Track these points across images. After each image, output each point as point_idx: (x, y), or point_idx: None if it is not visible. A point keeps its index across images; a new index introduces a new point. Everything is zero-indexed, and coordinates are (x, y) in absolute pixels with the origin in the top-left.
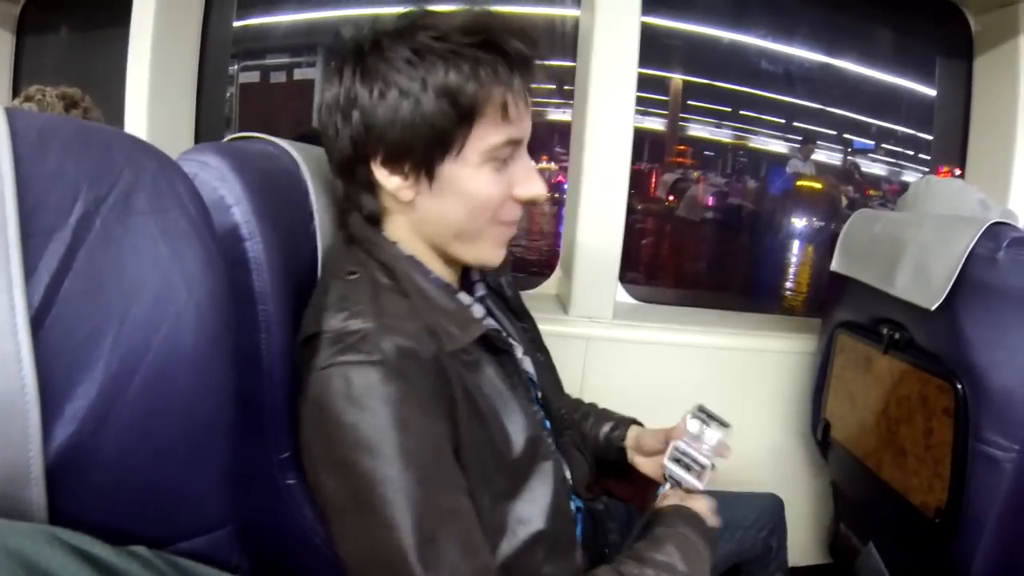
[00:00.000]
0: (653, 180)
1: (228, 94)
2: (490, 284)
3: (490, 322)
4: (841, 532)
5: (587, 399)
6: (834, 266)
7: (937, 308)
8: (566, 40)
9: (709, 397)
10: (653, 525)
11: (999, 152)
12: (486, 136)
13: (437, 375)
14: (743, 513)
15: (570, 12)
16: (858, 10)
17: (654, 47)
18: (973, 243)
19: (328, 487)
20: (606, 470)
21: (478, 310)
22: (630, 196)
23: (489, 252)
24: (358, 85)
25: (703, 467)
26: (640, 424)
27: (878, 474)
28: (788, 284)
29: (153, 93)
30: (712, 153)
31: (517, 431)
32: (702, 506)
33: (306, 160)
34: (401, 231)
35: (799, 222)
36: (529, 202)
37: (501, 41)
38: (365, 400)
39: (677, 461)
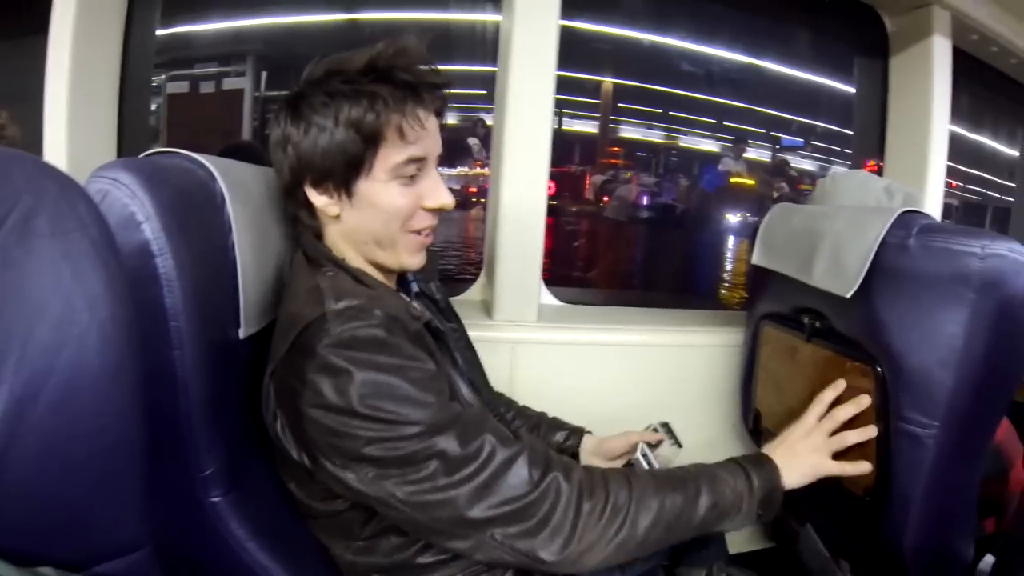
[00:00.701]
0: (586, 182)
1: (155, 105)
2: (422, 290)
3: (428, 315)
4: (779, 516)
5: (518, 400)
6: (755, 259)
7: (853, 296)
8: (487, 45)
9: (639, 394)
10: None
11: (915, 145)
12: (389, 156)
13: (416, 335)
14: None
15: (492, 17)
16: (778, 13)
17: (584, 51)
18: (884, 232)
19: (360, 439)
20: None
21: (416, 306)
22: (562, 199)
23: (406, 257)
24: (290, 126)
25: None
26: (590, 432)
27: None
28: (724, 279)
29: (73, 106)
30: (645, 154)
31: (469, 395)
32: (792, 440)
33: (224, 175)
34: (337, 243)
35: (733, 218)
36: (437, 210)
37: (393, 75)
38: (376, 356)
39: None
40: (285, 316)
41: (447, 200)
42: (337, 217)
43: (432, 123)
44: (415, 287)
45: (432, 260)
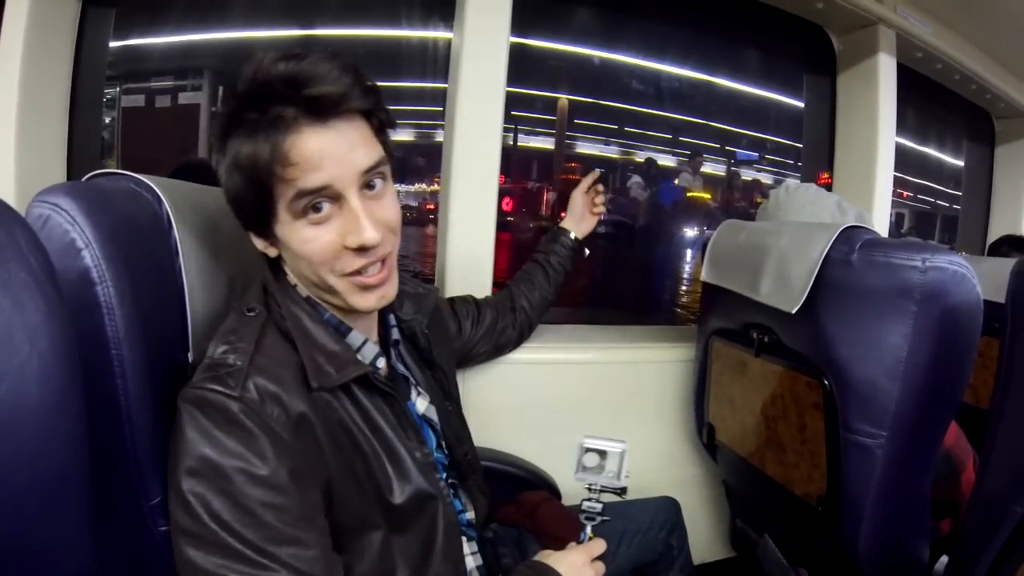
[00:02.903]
0: (544, 198)
1: (110, 119)
2: (405, 331)
3: (380, 363)
4: (738, 527)
5: (469, 424)
6: (704, 276)
7: (799, 311)
8: (438, 62)
9: (594, 412)
10: None
11: (862, 158)
12: (282, 195)
13: (299, 418)
14: (640, 517)
15: (443, 34)
16: (728, 31)
17: (539, 68)
18: (828, 247)
19: (170, 508)
20: (493, 498)
21: (369, 351)
22: (519, 215)
23: (352, 299)
24: (217, 171)
25: (619, 490)
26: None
27: (762, 471)
28: (683, 293)
29: (22, 122)
30: (602, 169)
31: (402, 476)
32: (575, 561)
33: (171, 197)
34: (295, 276)
35: (691, 232)
36: (361, 249)
37: (269, 94)
38: (214, 430)
39: (589, 519)
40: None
41: (369, 237)
42: (279, 258)
43: (340, 137)
44: (394, 334)
45: (426, 300)
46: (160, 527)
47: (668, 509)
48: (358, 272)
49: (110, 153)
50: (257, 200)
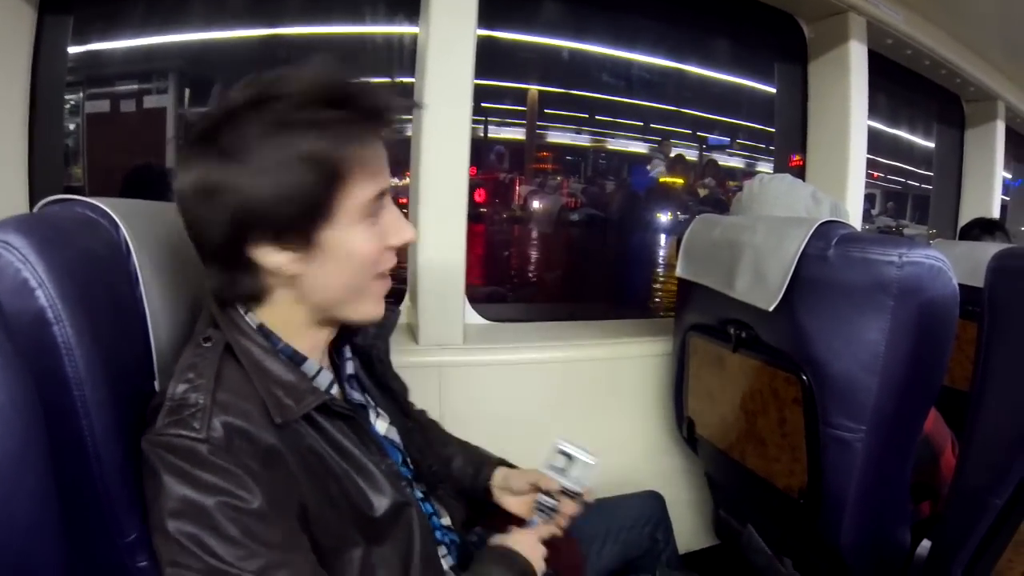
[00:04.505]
0: (516, 189)
1: (74, 125)
2: (359, 353)
3: (335, 390)
4: (722, 517)
5: (448, 428)
6: (679, 272)
7: (776, 307)
8: (404, 58)
9: (573, 409)
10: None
11: (834, 143)
12: (355, 195)
13: (268, 450)
14: (624, 513)
15: (409, 30)
16: (700, 21)
17: (509, 60)
18: (804, 244)
19: (159, 551)
20: (477, 505)
21: (324, 378)
22: (491, 206)
23: (372, 307)
24: (217, 167)
25: (575, 494)
26: (509, 465)
27: (743, 464)
28: (657, 283)
29: None
30: (574, 158)
31: (376, 490)
32: (526, 542)
33: (129, 221)
34: (277, 310)
35: (664, 218)
36: (402, 247)
37: (352, 103)
38: (190, 469)
39: (541, 511)
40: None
41: (411, 235)
42: (295, 277)
43: (384, 151)
44: (346, 353)
45: (389, 319)
46: (138, 563)
47: (652, 504)
48: (387, 273)
49: (76, 160)
50: (320, 200)
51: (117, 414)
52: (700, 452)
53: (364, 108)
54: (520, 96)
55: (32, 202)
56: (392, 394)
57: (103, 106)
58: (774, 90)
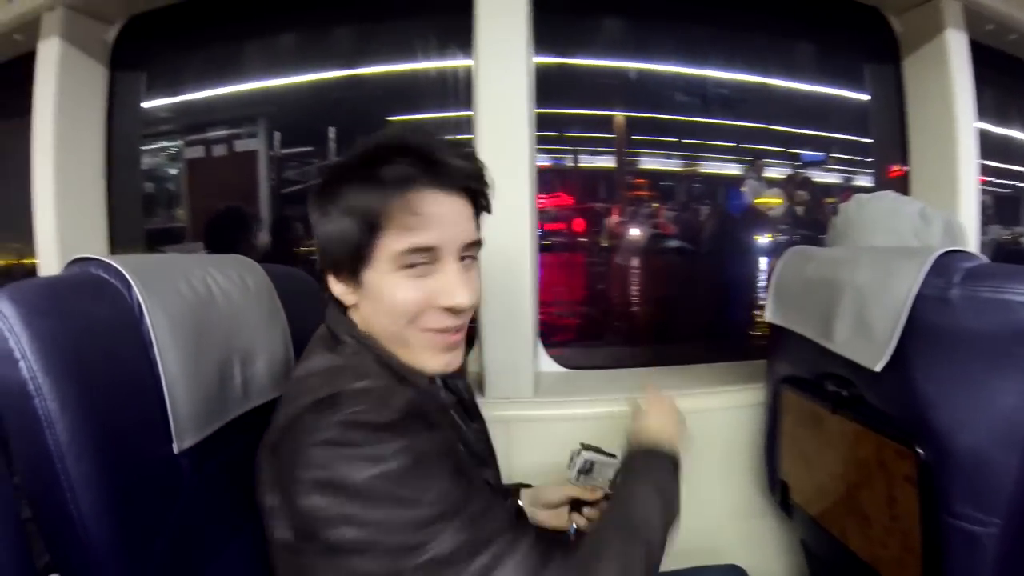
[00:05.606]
0: (610, 218)
1: (176, 171)
2: (448, 386)
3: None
4: None
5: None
6: (768, 316)
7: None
8: (459, 91)
9: None
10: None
11: (940, 149)
12: (390, 245)
13: (435, 427)
14: None
15: (464, 63)
16: (777, 27)
17: (591, 87)
18: (919, 283)
19: (362, 522)
20: None
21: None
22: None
23: (423, 358)
24: (314, 212)
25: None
26: (527, 485)
27: (844, 542)
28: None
29: (60, 188)
30: (667, 183)
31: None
32: (652, 422)
33: (146, 281)
34: (364, 322)
35: (763, 240)
36: (451, 311)
37: (399, 154)
38: (389, 436)
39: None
40: (295, 390)
41: (461, 300)
42: (355, 306)
43: (452, 208)
44: (438, 381)
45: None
46: None
47: None
48: (439, 331)
49: (178, 203)
50: (360, 244)
51: (103, 490)
52: (795, 518)
53: (408, 162)
54: (607, 124)
55: (112, 247)
56: (480, 425)
57: (200, 152)
58: (867, 96)
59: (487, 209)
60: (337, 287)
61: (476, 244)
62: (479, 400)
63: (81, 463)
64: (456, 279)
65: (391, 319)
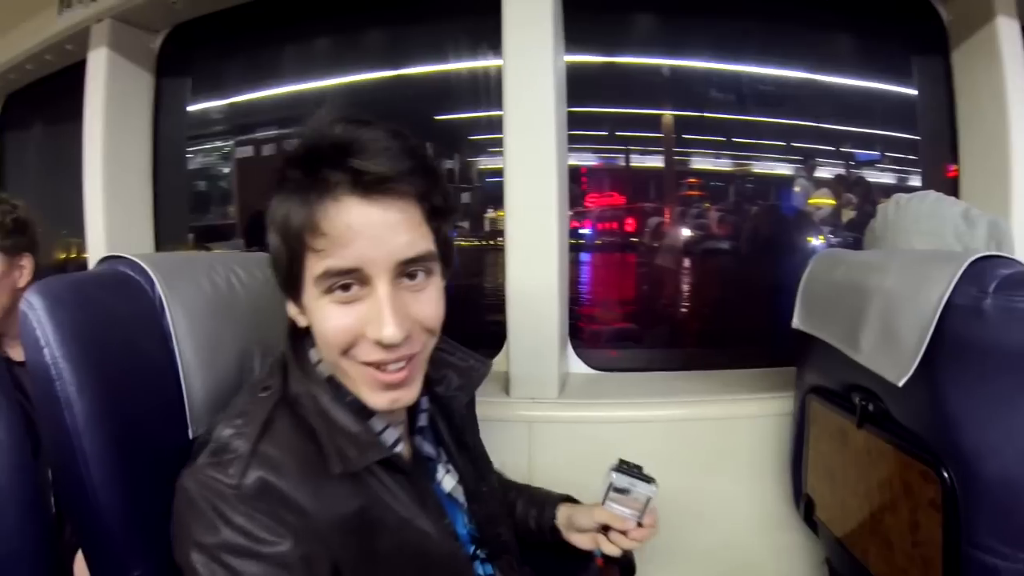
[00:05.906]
0: (663, 216)
1: (228, 170)
2: (441, 410)
3: (400, 447)
4: None
5: (536, 485)
6: (795, 322)
7: (912, 377)
8: (491, 92)
9: (676, 476)
10: None
11: (992, 144)
12: (310, 267)
13: (299, 511)
14: None
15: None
16: (817, 20)
17: (639, 85)
18: (949, 290)
19: None
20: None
21: (390, 435)
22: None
23: (364, 393)
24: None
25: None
26: (573, 500)
27: (865, 565)
28: None
29: (109, 188)
30: (718, 183)
31: (428, 547)
32: None
33: (169, 279)
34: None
35: (816, 241)
36: (381, 344)
37: (319, 158)
38: (218, 509)
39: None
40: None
41: (386, 334)
42: (308, 328)
43: (381, 218)
44: (422, 420)
45: (476, 373)
46: None
47: None
48: (376, 365)
49: (230, 200)
50: (288, 266)
51: (117, 462)
52: (820, 534)
53: (332, 165)
54: (658, 123)
55: (157, 244)
56: (468, 452)
57: (249, 151)
58: (914, 91)
59: (444, 211)
60: (291, 308)
61: (426, 257)
62: (503, 401)
63: (99, 441)
64: (384, 307)
65: (326, 349)
